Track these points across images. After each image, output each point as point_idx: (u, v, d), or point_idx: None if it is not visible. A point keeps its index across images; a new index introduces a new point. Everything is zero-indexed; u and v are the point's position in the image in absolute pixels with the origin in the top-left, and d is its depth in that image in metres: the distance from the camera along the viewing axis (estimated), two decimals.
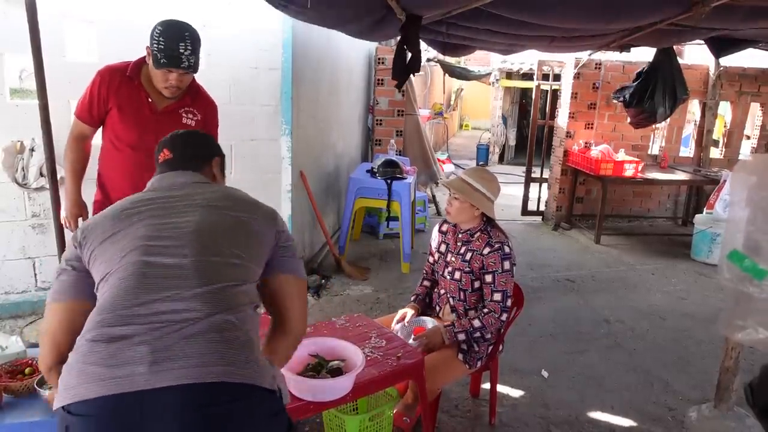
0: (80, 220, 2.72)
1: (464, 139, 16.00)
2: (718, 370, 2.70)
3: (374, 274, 4.67)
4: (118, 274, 1.26)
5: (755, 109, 6.88)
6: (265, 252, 1.43)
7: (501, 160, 12.65)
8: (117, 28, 3.36)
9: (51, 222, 3.07)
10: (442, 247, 2.56)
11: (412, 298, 2.65)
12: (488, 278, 2.36)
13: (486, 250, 2.37)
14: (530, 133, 6.98)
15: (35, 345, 2.78)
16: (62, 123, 3.25)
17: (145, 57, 2.48)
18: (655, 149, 6.94)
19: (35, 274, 3.54)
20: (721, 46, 3.58)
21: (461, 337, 2.32)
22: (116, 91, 2.47)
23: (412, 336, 2.37)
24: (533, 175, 7.03)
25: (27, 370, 1.66)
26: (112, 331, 1.18)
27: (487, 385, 2.85)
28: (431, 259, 2.64)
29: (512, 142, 12.98)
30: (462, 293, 2.43)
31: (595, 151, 6.06)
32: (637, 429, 2.72)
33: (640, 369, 3.30)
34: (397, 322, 2.49)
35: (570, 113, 6.47)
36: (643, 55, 5.19)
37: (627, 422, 2.76)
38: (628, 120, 5.03)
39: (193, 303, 1.22)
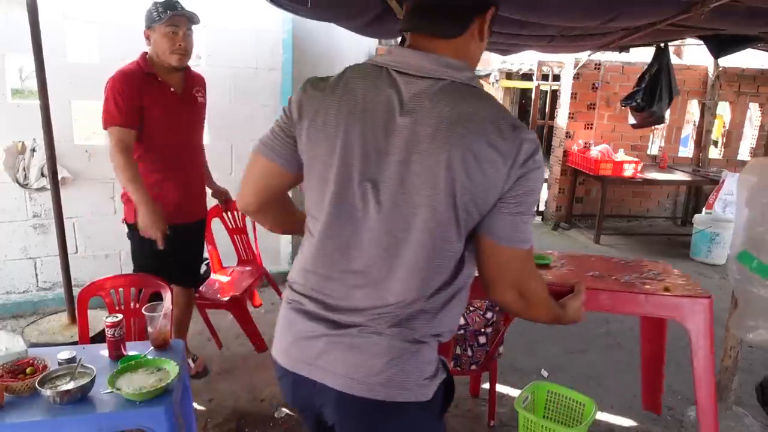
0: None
1: None
2: (717, 369, 2.70)
3: None
4: None
5: (755, 110, 6.89)
6: None
7: None
8: (117, 28, 3.37)
9: (52, 222, 3.08)
10: None
11: None
12: None
13: None
14: None
15: (36, 344, 2.80)
16: (63, 123, 3.26)
17: (144, 54, 2.48)
18: (654, 149, 6.95)
19: (36, 274, 3.55)
20: (720, 47, 3.58)
21: None
22: (143, 91, 2.43)
23: None
24: None
25: (28, 370, 1.66)
26: None
27: (486, 385, 2.85)
28: None
29: None
30: None
31: (595, 151, 6.06)
32: (637, 428, 2.72)
33: (639, 369, 3.30)
34: None
35: (569, 113, 6.47)
36: (643, 55, 5.20)
37: (627, 422, 2.77)
38: (630, 122, 5.01)
39: None
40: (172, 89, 2.51)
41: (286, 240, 4.21)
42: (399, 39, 3.05)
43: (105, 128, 2.42)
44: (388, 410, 1.09)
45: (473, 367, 2.43)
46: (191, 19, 2.43)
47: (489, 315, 2.35)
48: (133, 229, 2.51)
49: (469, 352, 2.39)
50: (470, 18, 1.10)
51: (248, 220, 3.41)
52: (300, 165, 1.17)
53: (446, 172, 1.01)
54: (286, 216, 1.36)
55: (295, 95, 1.18)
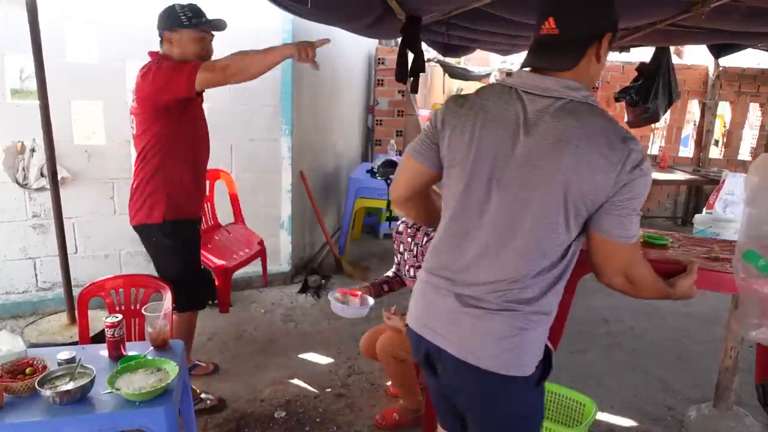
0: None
1: None
2: (717, 369, 2.70)
3: (374, 274, 4.67)
4: None
5: (754, 110, 6.89)
6: None
7: None
8: (117, 28, 3.37)
9: (51, 222, 3.08)
10: (401, 248, 2.60)
11: (372, 281, 2.74)
12: None
13: (425, 240, 2.44)
14: None
15: (36, 345, 2.80)
16: (62, 123, 3.26)
17: (163, 55, 2.38)
18: (654, 149, 6.95)
19: (36, 275, 3.55)
20: (720, 47, 3.59)
21: None
22: None
23: (348, 310, 2.46)
24: None
25: (28, 370, 1.66)
26: None
27: None
28: (396, 260, 2.70)
29: None
30: None
31: None
32: (637, 428, 2.72)
33: (639, 369, 3.30)
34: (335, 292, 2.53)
35: None
36: (643, 55, 5.19)
37: (627, 422, 2.76)
38: (626, 119, 5.02)
39: None
40: None
41: (285, 240, 4.21)
42: (399, 41, 3.04)
43: (192, 80, 2.19)
44: (497, 380, 1.30)
45: None
46: (220, 27, 2.42)
47: None
48: (166, 229, 2.42)
49: None
50: (584, 49, 1.28)
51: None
52: (441, 166, 1.42)
53: (561, 176, 1.21)
54: (428, 208, 1.62)
55: (440, 109, 1.42)
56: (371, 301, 2.51)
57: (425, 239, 2.47)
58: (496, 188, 1.30)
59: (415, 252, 2.52)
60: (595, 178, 1.20)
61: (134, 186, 2.46)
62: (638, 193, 1.23)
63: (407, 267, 2.57)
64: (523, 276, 1.28)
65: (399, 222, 2.66)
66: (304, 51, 2.26)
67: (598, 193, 1.21)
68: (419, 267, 2.35)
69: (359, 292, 2.54)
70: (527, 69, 1.33)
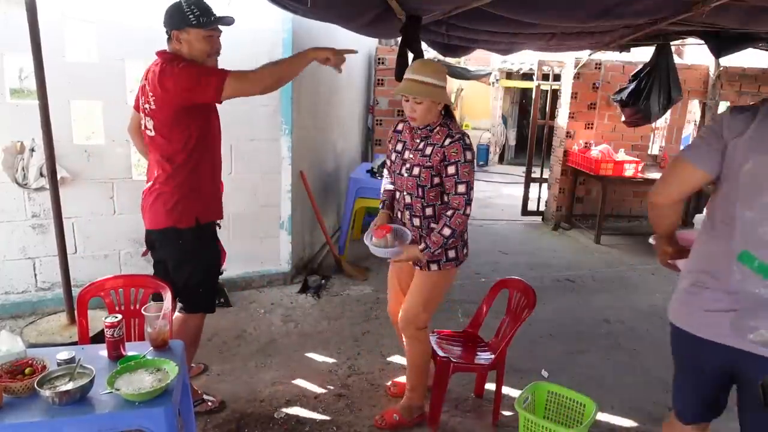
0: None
1: None
2: None
3: (374, 274, 4.67)
4: None
5: None
6: None
7: (501, 160, 12.65)
8: (117, 28, 3.36)
9: (51, 222, 3.07)
10: (399, 146, 2.46)
11: (381, 206, 2.59)
12: (451, 169, 2.27)
13: (447, 141, 2.28)
14: (530, 133, 6.98)
15: (35, 345, 2.79)
16: (62, 123, 3.26)
17: (172, 55, 2.32)
18: (655, 149, 6.94)
19: (35, 275, 3.54)
20: (721, 46, 3.58)
21: (437, 252, 2.32)
22: None
23: (388, 252, 2.35)
24: (533, 175, 7.03)
25: (27, 370, 1.66)
26: None
27: (489, 386, 2.86)
28: (388, 161, 2.54)
29: (512, 142, 12.98)
30: (420, 189, 2.36)
31: (595, 151, 6.06)
32: (637, 429, 2.72)
33: (640, 369, 3.30)
34: (371, 234, 2.42)
35: (570, 113, 6.47)
36: (643, 55, 5.19)
37: (627, 422, 2.76)
38: (623, 119, 5.03)
39: None
40: None
41: (285, 241, 4.20)
42: (399, 41, 3.04)
43: (220, 89, 2.18)
44: None
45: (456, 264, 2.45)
46: (229, 23, 2.39)
47: (468, 210, 2.34)
48: (199, 232, 2.39)
49: (450, 253, 2.44)
50: None
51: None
52: (719, 171, 1.55)
53: None
54: (680, 213, 1.80)
55: (724, 118, 1.55)
56: (407, 232, 2.40)
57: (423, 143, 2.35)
58: None
59: (421, 146, 2.35)
60: None
61: (157, 188, 2.36)
62: None
63: (406, 165, 2.39)
64: None
65: (396, 122, 2.52)
66: (327, 56, 2.33)
67: None
68: (416, 165, 2.34)
69: (386, 228, 2.41)
70: None
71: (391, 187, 2.56)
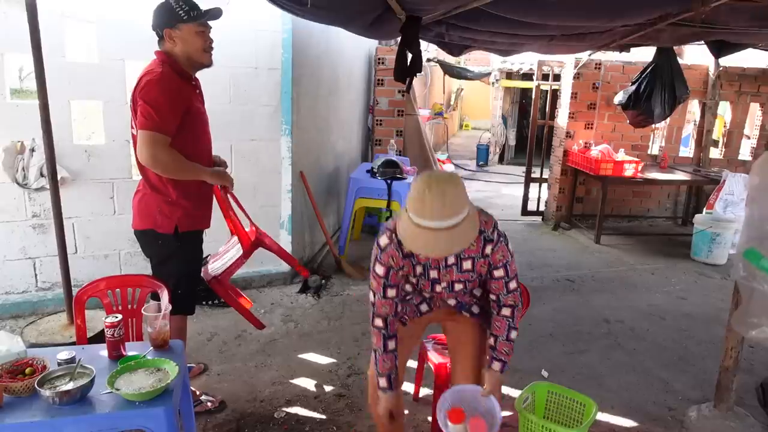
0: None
1: (464, 139, 16.00)
2: (717, 369, 2.70)
3: None
4: None
5: (755, 109, 6.88)
6: None
7: (501, 160, 12.64)
8: (116, 27, 3.36)
9: (51, 222, 3.07)
10: (418, 269, 1.96)
11: (385, 388, 1.96)
12: (498, 273, 1.99)
13: (488, 249, 1.94)
14: (530, 133, 6.98)
15: (35, 345, 2.79)
16: (62, 123, 3.26)
17: (166, 55, 2.33)
18: (654, 149, 6.94)
19: (35, 275, 3.54)
20: (720, 46, 3.59)
21: (509, 358, 2.15)
22: (183, 94, 2.33)
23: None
24: (533, 175, 7.03)
25: (27, 370, 1.66)
26: None
27: None
28: (392, 293, 1.93)
29: (512, 142, 12.97)
30: (465, 294, 2.15)
31: (595, 151, 6.05)
32: (637, 429, 2.72)
33: (640, 369, 3.30)
34: (446, 421, 1.86)
35: (570, 113, 6.47)
36: (643, 55, 5.19)
37: (627, 422, 2.76)
38: (628, 120, 5.05)
39: None
40: (197, 90, 2.47)
41: (285, 240, 4.20)
42: (399, 41, 3.04)
43: (142, 128, 2.19)
44: None
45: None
46: (218, 16, 2.40)
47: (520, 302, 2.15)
48: (176, 239, 2.39)
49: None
50: None
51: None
52: None
53: None
54: None
55: None
56: (469, 390, 2.06)
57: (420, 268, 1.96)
58: None
59: (457, 262, 1.96)
60: None
61: (140, 190, 2.40)
62: None
63: (442, 284, 2.01)
64: None
65: (396, 246, 1.86)
66: (224, 179, 2.46)
67: None
68: (457, 281, 1.98)
69: (459, 414, 1.86)
70: None
71: (392, 345, 1.99)
